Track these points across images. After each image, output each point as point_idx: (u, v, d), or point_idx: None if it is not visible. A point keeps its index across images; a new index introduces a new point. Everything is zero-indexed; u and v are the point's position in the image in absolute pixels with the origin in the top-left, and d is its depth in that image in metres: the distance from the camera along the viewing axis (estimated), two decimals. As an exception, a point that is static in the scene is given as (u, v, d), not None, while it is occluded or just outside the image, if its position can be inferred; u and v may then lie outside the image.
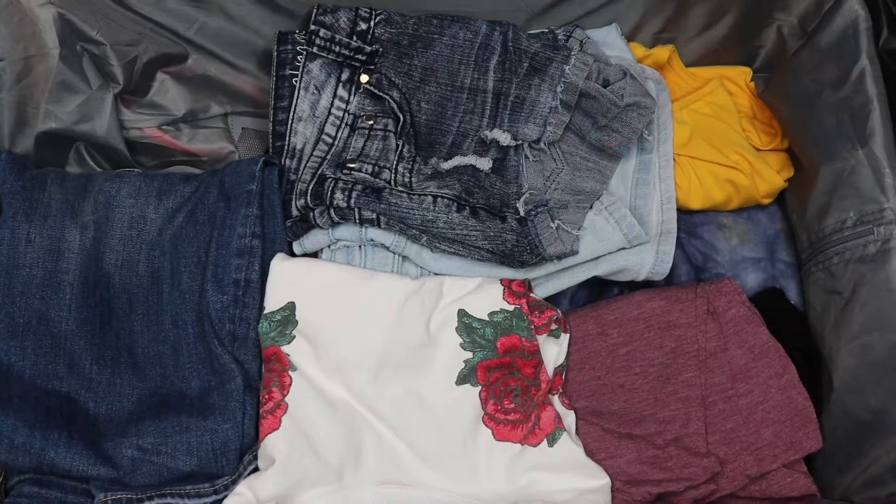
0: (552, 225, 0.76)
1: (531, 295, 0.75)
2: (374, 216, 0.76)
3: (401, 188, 0.77)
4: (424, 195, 0.76)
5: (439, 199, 0.76)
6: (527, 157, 0.80)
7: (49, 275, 0.76)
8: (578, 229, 0.77)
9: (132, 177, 0.81)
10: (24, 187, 0.77)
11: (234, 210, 0.77)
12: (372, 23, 0.83)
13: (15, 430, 0.68)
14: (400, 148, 0.80)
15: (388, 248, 0.78)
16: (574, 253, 0.77)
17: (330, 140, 0.82)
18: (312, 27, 0.82)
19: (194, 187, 0.80)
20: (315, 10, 0.82)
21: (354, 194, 0.76)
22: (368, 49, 0.82)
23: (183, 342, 0.75)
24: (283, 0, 0.84)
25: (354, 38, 0.82)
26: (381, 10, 0.83)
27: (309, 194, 0.78)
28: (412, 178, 0.78)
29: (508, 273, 0.77)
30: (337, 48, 0.82)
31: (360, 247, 0.78)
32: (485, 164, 0.78)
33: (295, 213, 0.79)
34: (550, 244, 0.75)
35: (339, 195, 0.76)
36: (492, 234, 0.75)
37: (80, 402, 0.73)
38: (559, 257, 0.76)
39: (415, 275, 0.78)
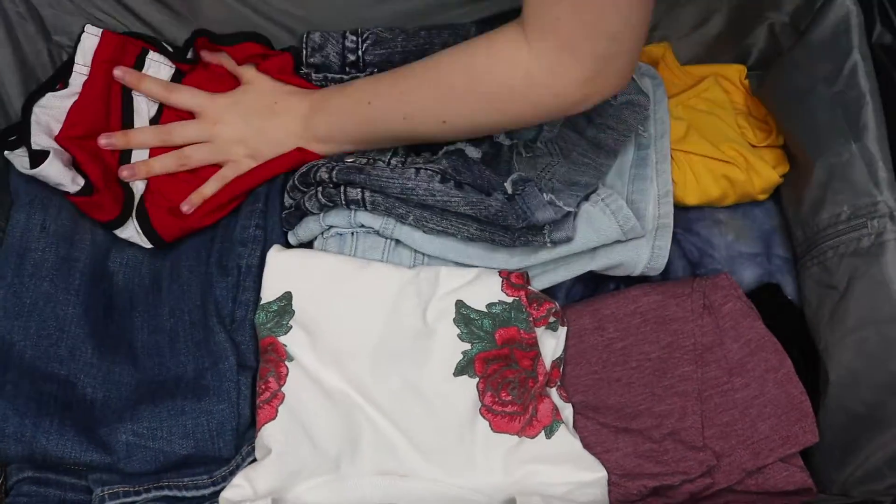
0: (543, 197, 0.72)
1: (529, 287, 0.75)
2: (359, 195, 0.74)
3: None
4: (407, 168, 0.75)
5: (422, 171, 0.74)
6: (520, 153, 0.80)
7: (61, 260, 0.76)
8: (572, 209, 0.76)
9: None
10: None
11: (238, 206, 0.79)
12: (360, 52, 0.83)
13: (5, 418, 0.68)
14: (395, 147, 0.80)
15: (378, 233, 0.77)
16: (570, 239, 0.74)
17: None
18: (304, 71, 0.83)
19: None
20: (304, 52, 0.83)
21: (337, 168, 0.75)
22: (363, 76, 0.83)
23: (180, 329, 0.75)
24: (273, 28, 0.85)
25: (347, 68, 0.83)
26: (367, 32, 0.83)
27: (296, 178, 0.78)
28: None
29: (503, 256, 0.76)
30: (333, 84, 0.83)
31: (352, 234, 0.78)
32: (474, 152, 0.77)
33: (288, 201, 0.79)
34: (538, 209, 0.72)
35: (322, 171, 0.75)
36: (474, 200, 0.72)
37: (78, 386, 0.72)
38: (551, 235, 0.74)
39: (408, 260, 0.77)
